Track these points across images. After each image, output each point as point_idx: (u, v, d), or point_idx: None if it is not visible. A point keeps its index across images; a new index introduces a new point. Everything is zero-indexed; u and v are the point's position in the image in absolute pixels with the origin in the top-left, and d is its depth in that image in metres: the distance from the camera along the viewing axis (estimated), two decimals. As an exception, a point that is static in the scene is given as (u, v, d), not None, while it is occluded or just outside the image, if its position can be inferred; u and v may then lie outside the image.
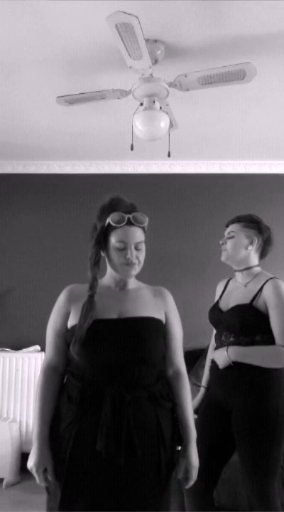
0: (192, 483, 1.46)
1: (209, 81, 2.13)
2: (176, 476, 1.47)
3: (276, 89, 2.57)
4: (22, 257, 3.78)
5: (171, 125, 2.56)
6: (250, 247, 1.94)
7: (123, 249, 1.44)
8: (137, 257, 1.46)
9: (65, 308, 1.49)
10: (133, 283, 1.55)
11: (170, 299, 1.57)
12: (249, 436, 1.78)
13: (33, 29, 2.03)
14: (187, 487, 1.48)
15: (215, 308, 2.03)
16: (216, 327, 2.03)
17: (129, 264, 1.44)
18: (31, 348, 3.52)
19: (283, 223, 3.45)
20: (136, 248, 1.45)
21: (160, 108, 2.28)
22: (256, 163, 3.82)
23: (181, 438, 1.47)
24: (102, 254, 1.50)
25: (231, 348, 1.83)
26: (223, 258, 2.00)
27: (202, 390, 2.08)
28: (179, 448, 1.48)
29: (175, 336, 1.55)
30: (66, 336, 1.46)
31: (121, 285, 1.52)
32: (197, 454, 1.47)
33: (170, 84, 2.20)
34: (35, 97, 2.68)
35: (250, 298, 1.86)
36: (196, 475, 1.46)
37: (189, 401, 1.52)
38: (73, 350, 1.37)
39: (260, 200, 3.69)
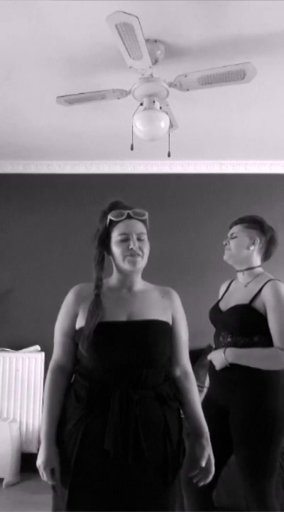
0: (211, 477, 1.45)
1: (209, 81, 2.13)
2: (189, 473, 1.44)
3: (276, 89, 2.57)
4: (22, 256, 3.78)
5: (171, 125, 2.56)
6: (252, 247, 1.96)
7: (125, 240, 1.45)
8: (140, 248, 1.46)
9: (73, 309, 1.49)
10: (139, 283, 1.55)
11: (177, 300, 1.58)
12: (246, 436, 1.78)
13: (33, 29, 2.03)
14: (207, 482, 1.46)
15: (215, 308, 2.04)
16: (215, 326, 2.03)
17: (133, 255, 1.45)
18: (31, 348, 3.52)
19: (283, 223, 3.45)
20: (139, 239, 1.47)
21: (160, 108, 2.28)
22: (256, 163, 3.81)
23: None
24: (107, 255, 1.51)
25: (229, 350, 1.83)
26: (225, 257, 2.03)
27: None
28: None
29: (182, 337, 1.55)
30: (75, 336, 1.46)
31: (128, 286, 1.52)
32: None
33: (170, 84, 2.20)
34: (35, 97, 2.68)
35: (250, 298, 1.86)
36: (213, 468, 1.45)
37: (199, 398, 1.53)
38: (82, 347, 1.38)
39: (260, 200, 3.69)
